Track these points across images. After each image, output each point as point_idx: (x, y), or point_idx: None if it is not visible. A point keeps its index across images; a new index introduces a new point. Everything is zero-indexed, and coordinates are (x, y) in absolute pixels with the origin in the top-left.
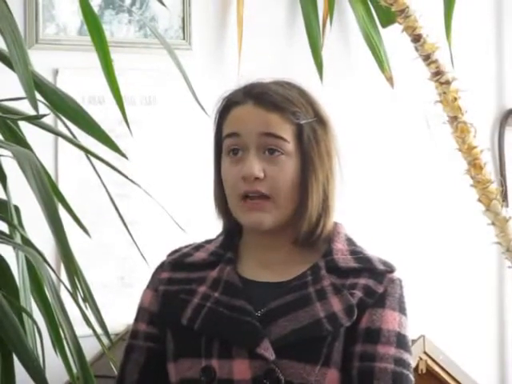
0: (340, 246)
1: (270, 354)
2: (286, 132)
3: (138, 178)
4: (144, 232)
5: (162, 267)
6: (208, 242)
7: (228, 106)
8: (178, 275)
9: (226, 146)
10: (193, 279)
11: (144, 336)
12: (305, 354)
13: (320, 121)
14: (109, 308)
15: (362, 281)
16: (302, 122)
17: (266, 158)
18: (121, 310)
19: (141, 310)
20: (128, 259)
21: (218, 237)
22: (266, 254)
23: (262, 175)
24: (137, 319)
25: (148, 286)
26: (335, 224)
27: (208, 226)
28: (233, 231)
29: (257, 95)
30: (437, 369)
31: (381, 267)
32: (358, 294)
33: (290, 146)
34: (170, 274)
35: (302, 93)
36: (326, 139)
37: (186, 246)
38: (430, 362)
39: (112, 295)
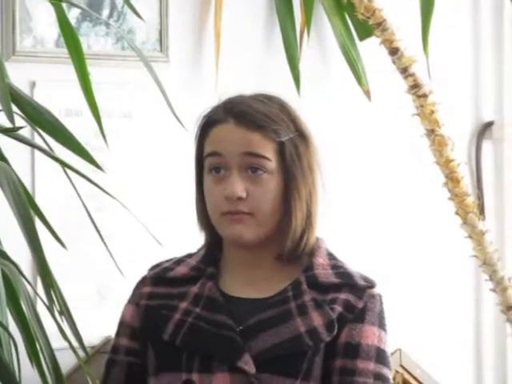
0: (321, 260)
1: (251, 368)
2: (268, 150)
3: (115, 192)
4: (121, 245)
5: (143, 282)
6: (189, 256)
7: (209, 123)
8: (159, 290)
9: (207, 164)
10: (174, 294)
11: (125, 351)
12: (285, 368)
13: (301, 136)
14: (86, 321)
15: (343, 296)
16: (284, 139)
17: (249, 177)
18: (98, 323)
19: (122, 325)
20: (105, 273)
21: (199, 251)
22: (248, 270)
23: (244, 195)
24: (118, 334)
25: (129, 301)
26: (316, 239)
27: (185, 241)
28: (214, 245)
29: (238, 114)
30: (413, 382)
31: (361, 282)
32: (338, 308)
33: (273, 163)
34: (151, 289)
35: (283, 108)
36: (307, 154)
37: (167, 261)
38: (406, 375)
39: (89, 308)
